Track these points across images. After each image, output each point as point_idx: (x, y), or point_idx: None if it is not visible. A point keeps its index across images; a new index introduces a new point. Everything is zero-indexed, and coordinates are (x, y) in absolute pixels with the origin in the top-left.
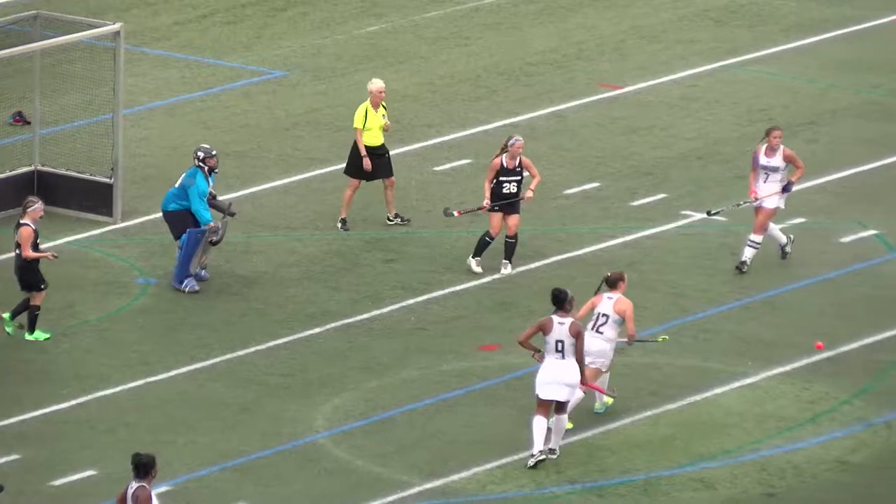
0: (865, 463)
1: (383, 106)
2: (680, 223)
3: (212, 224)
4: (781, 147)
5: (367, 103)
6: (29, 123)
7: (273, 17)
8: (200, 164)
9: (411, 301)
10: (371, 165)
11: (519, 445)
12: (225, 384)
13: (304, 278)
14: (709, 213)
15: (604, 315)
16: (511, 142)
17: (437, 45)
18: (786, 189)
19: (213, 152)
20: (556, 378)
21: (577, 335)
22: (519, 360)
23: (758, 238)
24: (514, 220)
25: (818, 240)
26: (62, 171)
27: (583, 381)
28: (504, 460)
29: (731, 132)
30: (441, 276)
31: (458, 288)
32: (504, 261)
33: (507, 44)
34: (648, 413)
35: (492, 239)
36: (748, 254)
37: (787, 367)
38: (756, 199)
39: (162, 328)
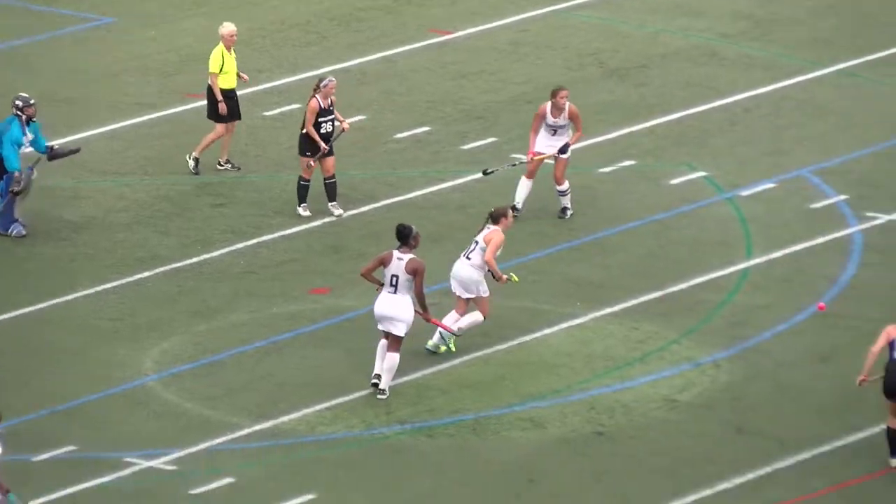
0: (693, 401)
1: (231, 51)
2: (541, 158)
3: (16, 174)
4: (568, 105)
5: (222, 47)
6: None
7: None
8: (18, 112)
9: (241, 245)
10: (231, 105)
11: (348, 387)
12: (54, 328)
13: (134, 223)
14: (485, 173)
15: (475, 242)
16: (324, 83)
17: None
18: (563, 151)
19: (32, 101)
20: (384, 311)
21: (415, 272)
22: (349, 303)
23: (563, 187)
24: (330, 161)
25: (647, 182)
26: None
27: (426, 319)
28: (334, 402)
29: (561, 77)
30: (271, 220)
31: (287, 232)
32: (331, 203)
33: None
34: (479, 353)
35: (307, 182)
36: (566, 201)
37: (616, 308)
38: (533, 157)
39: None
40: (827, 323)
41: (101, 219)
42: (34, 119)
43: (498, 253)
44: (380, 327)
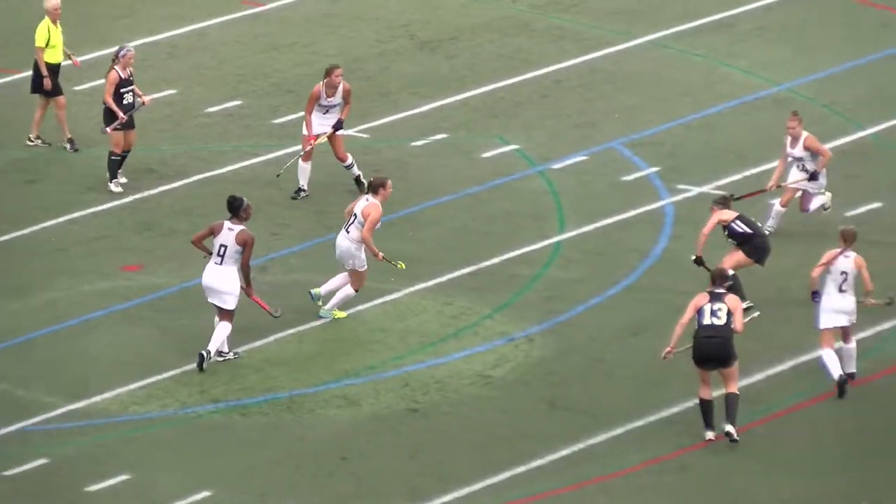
0: (507, 377)
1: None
2: (322, 140)
3: None
4: (342, 84)
5: (48, 20)
6: None
7: None
8: None
9: (52, 222)
10: (52, 84)
11: (162, 366)
12: None
13: None
14: (277, 176)
15: (354, 215)
16: (122, 52)
17: None
18: (337, 128)
19: None
20: (210, 283)
21: (244, 243)
22: (161, 281)
23: (348, 161)
24: (131, 134)
25: (459, 155)
26: None
27: (248, 294)
28: (147, 380)
29: (373, 49)
30: (82, 196)
31: (99, 208)
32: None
33: None
34: (292, 331)
35: (118, 156)
36: (356, 170)
37: (430, 283)
38: (313, 142)
39: None
40: (638, 297)
41: None
42: None
43: (377, 227)
44: (209, 300)
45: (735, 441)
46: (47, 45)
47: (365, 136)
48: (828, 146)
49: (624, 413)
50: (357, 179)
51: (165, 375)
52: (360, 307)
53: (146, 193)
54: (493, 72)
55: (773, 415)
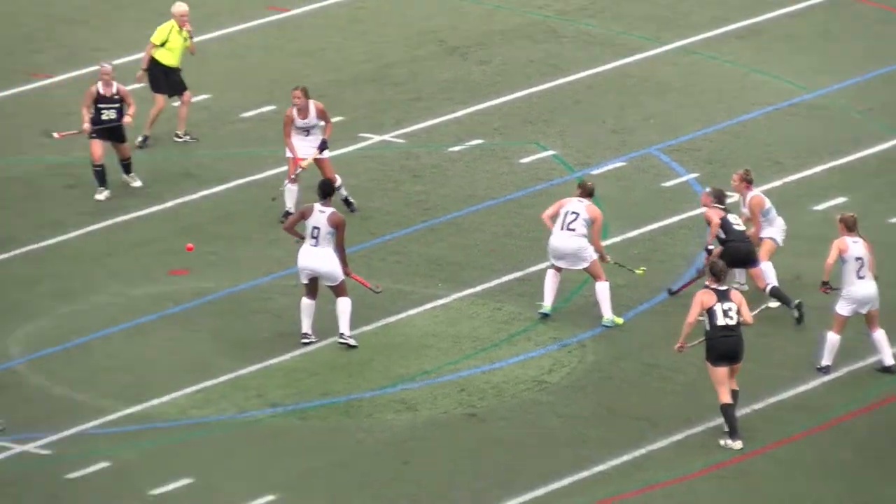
0: (562, 382)
1: (188, 30)
2: (359, 146)
3: None
4: (311, 104)
5: (173, 23)
6: None
7: None
8: None
9: (96, 226)
10: (163, 82)
11: (217, 370)
12: None
13: None
14: (273, 199)
15: (575, 213)
16: (99, 69)
17: None
18: (322, 148)
19: None
20: (307, 263)
21: (336, 225)
22: (209, 285)
23: (338, 183)
24: (125, 148)
25: (498, 161)
26: None
27: (346, 273)
28: (204, 384)
29: (403, 54)
30: (124, 201)
31: (143, 213)
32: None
33: None
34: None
35: (99, 166)
36: (345, 192)
37: (478, 288)
38: (299, 165)
39: None
40: (686, 302)
41: None
42: None
43: None
44: (303, 279)
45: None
46: (163, 45)
47: (402, 141)
48: (865, 153)
49: (683, 418)
50: (346, 201)
51: (221, 379)
52: (411, 312)
53: (187, 198)
54: (526, 77)
55: (832, 420)
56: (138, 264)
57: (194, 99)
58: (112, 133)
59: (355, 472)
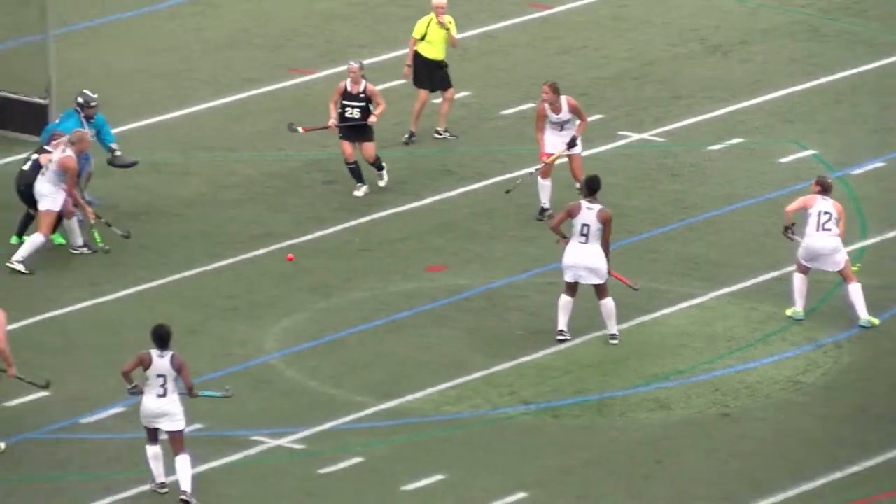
0: (817, 382)
1: (449, 21)
2: (618, 143)
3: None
4: (564, 99)
5: (432, 16)
6: None
7: None
8: (78, 108)
9: (354, 222)
10: (425, 77)
11: (471, 367)
12: (172, 305)
13: (245, 199)
14: (507, 192)
15: (827, 213)
16: (347, 66)
17: None
18: (571, 145)
19: (94, 102)
20: (577, 261)
21: (605, 221)
22: (465, 282)
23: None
24: (368, 147)
25: (757, 160)
26: None
27: (609, 271)
28: (458, 381)
29: (664, 52)
30: (382, 196)
31: (400, 209)
32: (377, 173)
33: None
34: (597, 333)
35: (352, 164)
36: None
37: (734, 288)
38: (546, 160)
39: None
40: None
41: (212, 195)
42: (92, 119)
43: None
44: (569, 278)
45: None
46: (423, 38)
47: (661, 139)
48: None
49: None
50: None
51: (475, 376)
52: (666, 311)
53: (445, 195)
54: (787, 76)
55: None
56: (395, 260)
57: (456, 95)
58: (356, 132)
59: (608, 470)
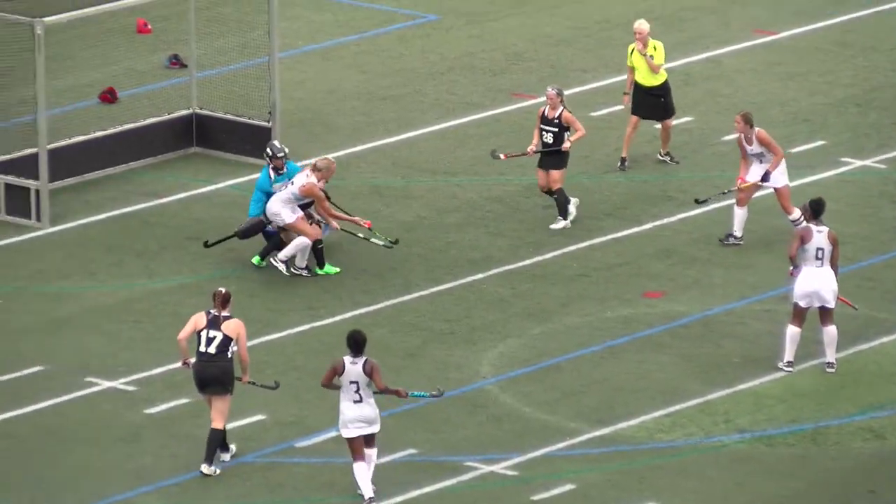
0: None
1: (654, 46)
2: (840, 170)
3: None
4: (756, 131)
5: (634, 44)
6: (185, 66)
7: None
8: (267, 160)
9: (572, 248)
10: (640, 104)
11: (686, 393)
12: (390, 329)
13: (465, 224)
14: (697, 201)
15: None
16: (546, 92)
17: None
18: (764, 180)
19: (280, 153)
20: (814, 286)
21: (835, 242)
22: (683, 308)
23: (793, 216)
24: (554, 175)
25: None
26: (220, 115)
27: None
28: (672, 408)
29: (889, 79)
30: (601, 222)
31: (619, 235)
32: (557, 217)
33: None
34: (814, 362)
35: (546, 192)
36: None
37: None
38: (740, 185)
39: (324, 274)
40: None
41: (433, 219)
42: (282, 171)
43: None
44: (804, 304)
45: None
46: (630, 65)
47: (883, 166)
48: None
49: None
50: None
51: (690, 403)
52: (884, 339)
53: (664, 220)
54: None
55: None
56: (612, 286)
57: (677, 122)
58: (549, 158)
59: (821, 499)
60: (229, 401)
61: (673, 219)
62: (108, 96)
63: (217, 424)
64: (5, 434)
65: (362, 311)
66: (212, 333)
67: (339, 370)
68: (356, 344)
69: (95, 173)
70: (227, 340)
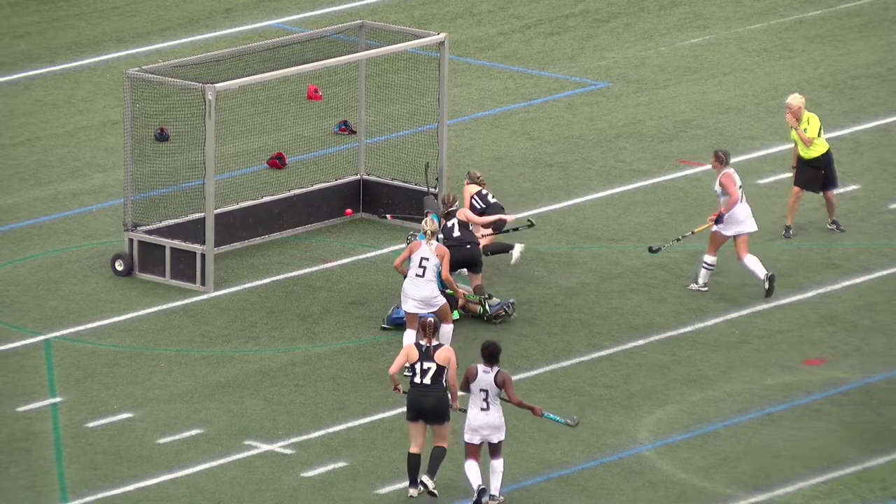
0: None
1: (807, 119)
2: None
3: None
4: (722, 172)
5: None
6: (354, 133)
7: (596, 28)
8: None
9: (735, 315)
10: (801, 176)
11: (844, 461)
12: (548, 394)
13: (628, 290)
14: (650, 250)
15: None
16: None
17: (760, 56)
18: (717, 222)
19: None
20: None
21: None
22: (843, 375)
23: (743, 261)
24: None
25: None
26: (387, 181)
27: None
28: (828, 475)
29: None
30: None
31: (782, 302)
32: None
33: (831, 56)
34: None
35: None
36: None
37: None
38: (695, 230)
39: (483, 339)
40: None
41: (595, 285)
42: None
43: None
44: None
45: None
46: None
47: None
48: None
49: None
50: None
51: (848, 471)
52: None
53: (829, 288)
54: None
55: None
56: (773, 353)
57: (844, 189)
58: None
59: None
60: (448, 426)
61: (836, 287)
62: (277, 162)
63: (441, 443)
64: (164, 496)
65: (521, 375)
66: (426, 365)
67: (471, 377)
68: (491, 354)
69: (261, 237)
70: (440, 370)
